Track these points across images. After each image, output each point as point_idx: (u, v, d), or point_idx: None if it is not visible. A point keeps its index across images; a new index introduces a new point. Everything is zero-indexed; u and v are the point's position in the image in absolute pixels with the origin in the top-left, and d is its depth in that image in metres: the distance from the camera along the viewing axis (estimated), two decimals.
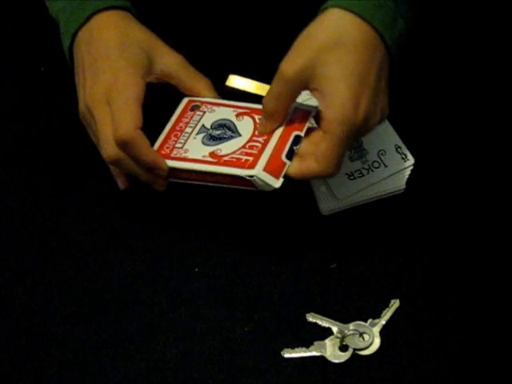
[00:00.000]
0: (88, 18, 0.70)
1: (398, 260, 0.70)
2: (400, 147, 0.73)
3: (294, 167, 0.64)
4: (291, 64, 0.62)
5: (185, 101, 0.74)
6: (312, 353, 0.65)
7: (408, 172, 0.72)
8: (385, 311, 0.66)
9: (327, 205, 0.71)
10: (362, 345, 0.64)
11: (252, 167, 0.64)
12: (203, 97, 0.73)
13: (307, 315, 0.67)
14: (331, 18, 0.63)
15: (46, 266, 0.71)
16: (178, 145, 0.69)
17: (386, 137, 0.74)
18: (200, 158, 0.67)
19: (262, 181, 0.64)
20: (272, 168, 0.64)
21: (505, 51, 0.84)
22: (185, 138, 0.70)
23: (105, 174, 0.72)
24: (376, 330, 0.65)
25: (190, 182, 0.69)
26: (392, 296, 0.67)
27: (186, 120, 0.72)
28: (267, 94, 0.65)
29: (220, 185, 0.68)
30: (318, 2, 0.64)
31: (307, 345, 0.65)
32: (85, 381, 0.65)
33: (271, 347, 0.65)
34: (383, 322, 0.66)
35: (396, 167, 0.72)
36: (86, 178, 0.69)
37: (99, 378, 0.65)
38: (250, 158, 0.66)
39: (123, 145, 0.66)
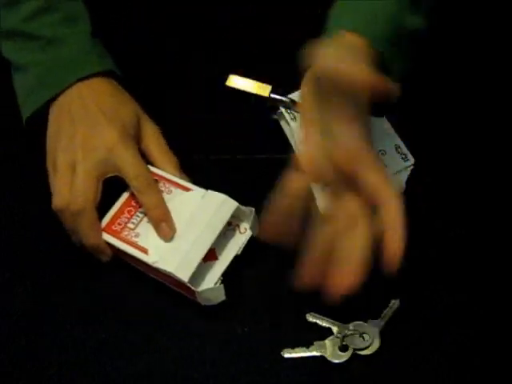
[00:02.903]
0: (69, 86, 0.71)
1: None
2: (400, 147, 0.73)
3: None
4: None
5: None
6: (312, 353, 0.65)
7: (408, 172, 0.72)
8: (385, 311, 0.66)
9: (327, 204, 0.71)
10: (361, 345, 0.64)
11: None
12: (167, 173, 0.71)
13: (307, 315, 0.67)
14: None
15: (45, 265, 0.71)
16: (130, 225, 0.68)
17: (385, 137, 0.74)
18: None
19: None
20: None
21: (505, 52, 0.84)
22: (138, 219, 0.68)
23: None
24: (376, 330, 0.65)
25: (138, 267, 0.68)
26: (392, 296, 0.67)
27: None
28: None
29: (163, 281, 0.67)
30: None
31: (307, 345, 0.65)
32: (85, 381, 0.65)
33: (271, 347, 0.65)
34: (383, 322, 0.66)
35: (396, 167, 0.72)
36: None
37: (99, 377, 0.65)
38: None
39: (74, 215, 0.67)
